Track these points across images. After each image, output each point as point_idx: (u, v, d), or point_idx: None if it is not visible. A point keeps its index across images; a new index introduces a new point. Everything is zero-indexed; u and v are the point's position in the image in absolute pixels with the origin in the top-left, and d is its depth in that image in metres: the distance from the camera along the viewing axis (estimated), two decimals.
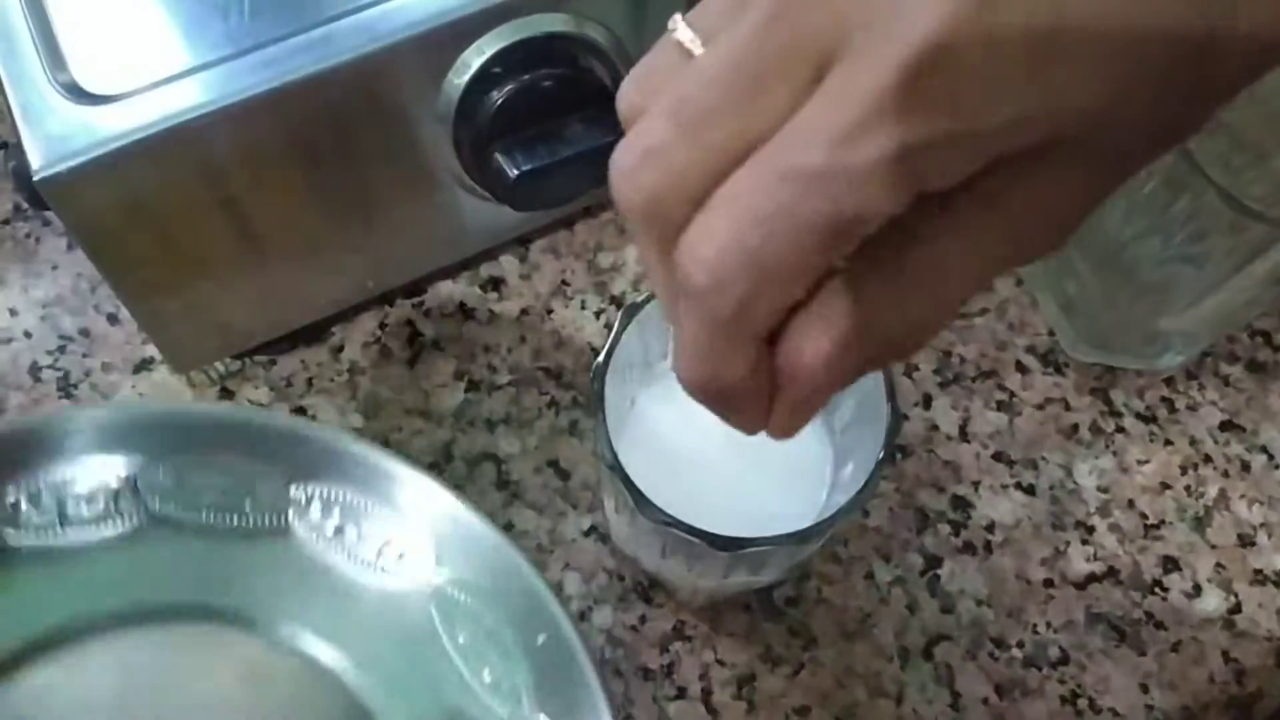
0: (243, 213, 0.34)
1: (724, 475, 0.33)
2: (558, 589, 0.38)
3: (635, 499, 0.27)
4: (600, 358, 0.29)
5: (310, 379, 0.41)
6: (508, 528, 0.39)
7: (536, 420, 0.41)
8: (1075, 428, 0.41)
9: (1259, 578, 0.39)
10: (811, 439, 0.34)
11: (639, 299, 0.30)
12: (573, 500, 0.40)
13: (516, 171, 0.33)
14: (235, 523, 0.27)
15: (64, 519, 0.27)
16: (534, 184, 0.34)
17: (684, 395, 0.34)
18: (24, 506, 0.26)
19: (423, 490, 0.27)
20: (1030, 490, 0.40)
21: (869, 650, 0.38)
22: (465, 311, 0.42)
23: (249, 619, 0.27)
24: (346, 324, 0.42)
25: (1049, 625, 0.38)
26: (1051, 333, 0.42)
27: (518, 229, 0.42)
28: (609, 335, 0.30)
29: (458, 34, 0.32)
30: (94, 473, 0.26)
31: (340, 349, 0.42)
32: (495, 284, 0.43)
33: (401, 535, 0.27)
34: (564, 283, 0.43)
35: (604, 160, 0.35)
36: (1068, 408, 0.41)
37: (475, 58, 0.33)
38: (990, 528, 0.39)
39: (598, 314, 0.42)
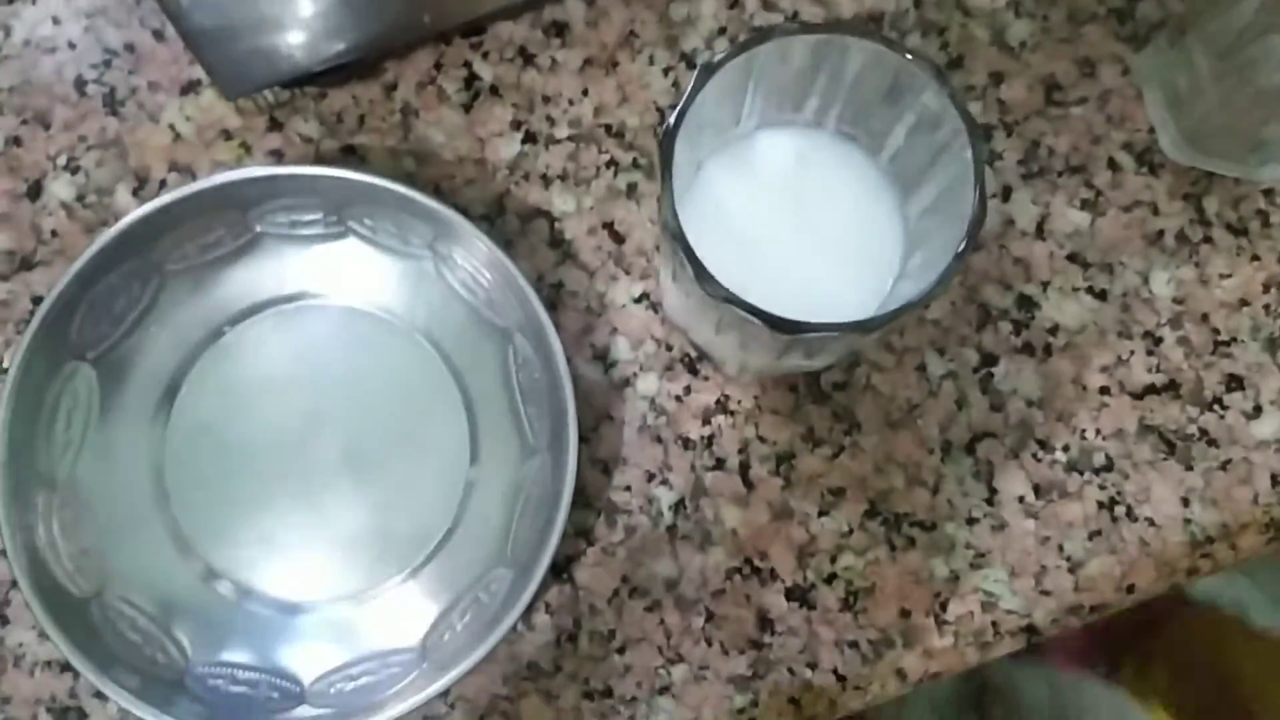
0: None
1: (787, 252, 0.32)
2: (604, 353, 0.38)
3: (696, 271, 0.26)
4: (671, 118, 0.27)
5: (362, 116, 0.39)
6: (557, 287, 0.38)
7: (594, 179, 0.39)
8: (1160, 234, 0.39)
9: None
10: (884, 222, 0.32)
11: (716, 57, 0.28)
12: (625, 265, 0.38)
13: None
14: (400, 246, 0.38)
15: (294, 224, 0.37)
16: None
17: (754, 165, 0.33)
18: (267, 216, 0.37)
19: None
20: (1102, 295, 0.38)
21: (911, 440, 0.37)
22: (526, 57, 0.40)
23: (395, 311, 0.38)
24: (400, 60, 0.40)
25: (1098, 433, 0.37)
26: (1152, 130, 0.39)
27: None
28: (677, 95, 0.28)
29: None
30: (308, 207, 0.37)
31: (394, 87, 0.40)
32: (559, 29, 0.40)
33: (486, 280, 0.37)
34: (632, 34, 0.40)
35: None
36: (1156, 212, 0.39)
37: None
38: (1054, 330, 0.38)
39: (666, 71, 0.40)
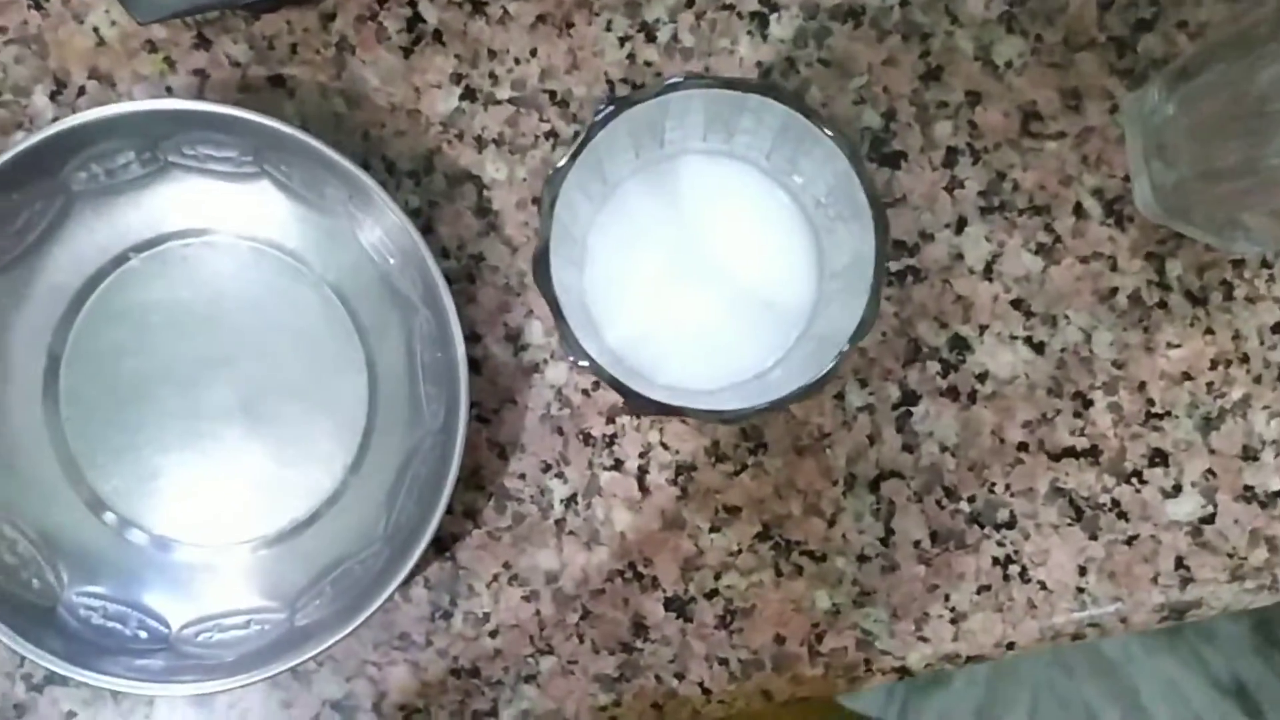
0: None
1: (695, 285, 0.30)
2: (516, 334, 0.37)
3: (564, 337, 0.25)
4: (562, 162, 0.25)
5: (294, 44, 0.37)
6: (478, 258, 0.37)
7: (531, 149, 0.37)
8: (1114, 291, 0.36)
9: (1246, 494, 0.36)
10: (800, 269, 0.30)
11: (627, 97, 0.26)
12: None
13: None
14: (315, 198, 0.36)
15: (207, 159, 0.35)
16: None
17: (674, 191, 0.31)
18: (181, 147, 0.35)
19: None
20: (1039, 348, 0.36)
21: (816, 469, 0.37)
22: (475, 3, 0.37)
23: (306, 261, 0.36)
24: None
25: (1008, 488, 0.36)
26: (1128, 178, 0.36)
27: None
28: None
29: None
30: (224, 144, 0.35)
31: (332, 17, 0.37)
32: None
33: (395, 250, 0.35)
34: None
35: None
36: (1114, 267, 0.36)
37: None
38: (982, 377, 0.36)
39: (622, 40, 0.37)
